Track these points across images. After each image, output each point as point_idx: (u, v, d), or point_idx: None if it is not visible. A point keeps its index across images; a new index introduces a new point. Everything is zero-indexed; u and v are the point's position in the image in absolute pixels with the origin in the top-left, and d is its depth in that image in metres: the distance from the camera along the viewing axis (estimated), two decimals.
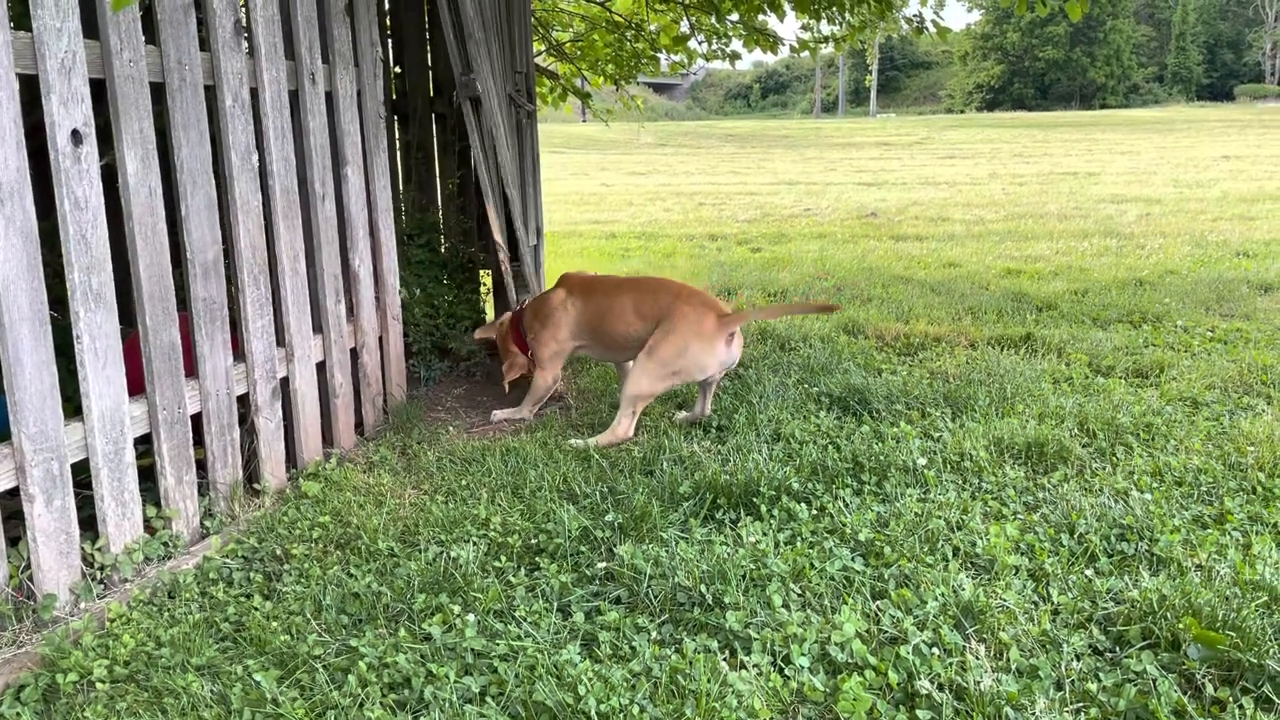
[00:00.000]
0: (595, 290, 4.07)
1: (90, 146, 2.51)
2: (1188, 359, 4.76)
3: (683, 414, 4.05)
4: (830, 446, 3.50)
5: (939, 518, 2.92)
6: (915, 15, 6.74)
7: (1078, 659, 2.21)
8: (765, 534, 2.85)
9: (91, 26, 2.56)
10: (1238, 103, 56.87)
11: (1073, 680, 2.12)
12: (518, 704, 2.06)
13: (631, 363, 4.03)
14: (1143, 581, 2.51)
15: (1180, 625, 2.26)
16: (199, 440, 3.04)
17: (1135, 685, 2.09)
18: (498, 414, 4.23)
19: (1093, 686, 2.08)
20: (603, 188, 18.66)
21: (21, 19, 2.42)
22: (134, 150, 2.67)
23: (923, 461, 3.33)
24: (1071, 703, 2.05)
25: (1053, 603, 2.45)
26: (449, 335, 4.75)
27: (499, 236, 4.40)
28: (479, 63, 4.26)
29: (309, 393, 3.54)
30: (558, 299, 4.11)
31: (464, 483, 3.33)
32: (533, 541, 2.86)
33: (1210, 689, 2.08)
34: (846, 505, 3.04)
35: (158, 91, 2.82)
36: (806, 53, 7.69)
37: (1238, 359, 4.69)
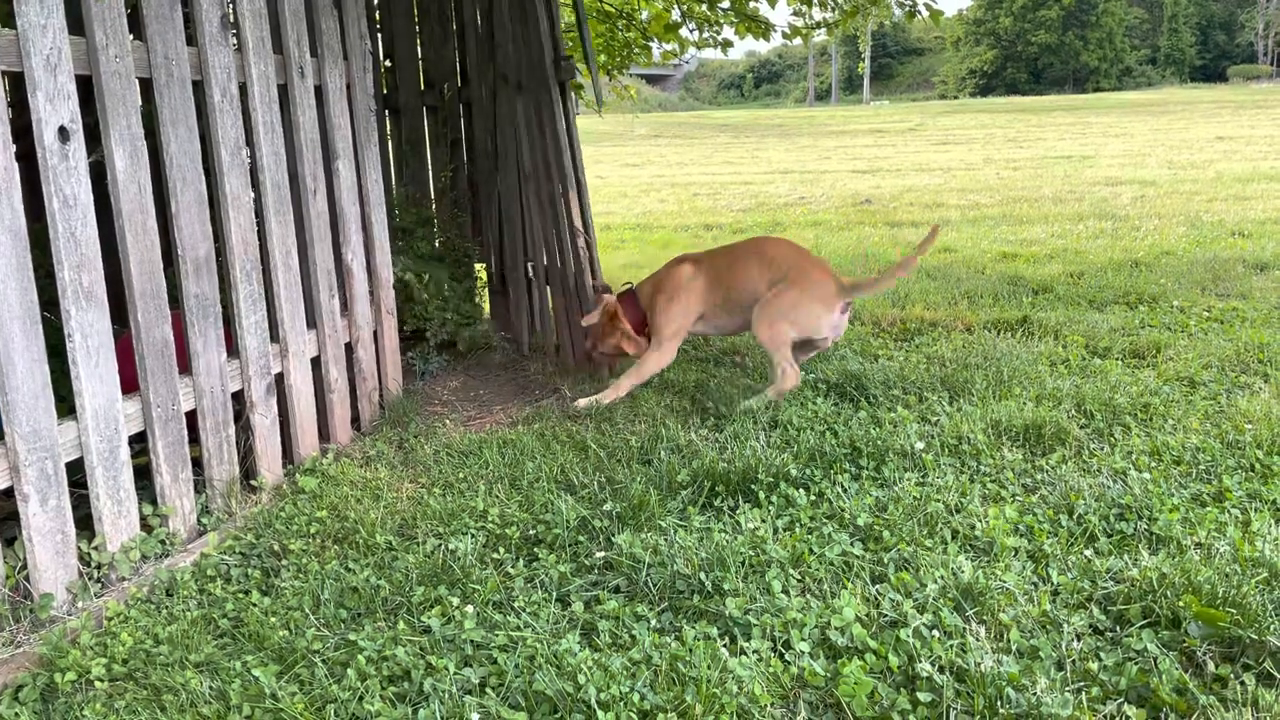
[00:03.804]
0: (716, 255, 4.27)
1: (78, 143, 2.50)
2: (1184, 339, 4.75)
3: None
4: (828, 432, 3.50)
5: (937, 501, 2.91)
6: None
7: (1078, 639, 2.21)
8: (764, 520, 2.84)
9: (77, 23, 2.54)
10: (1231, 84, 56.87)
11: (1073, 660, 2.12)
12: (518, 694, 2.06)
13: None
14: (1142, 560, 2.51)
15: (1180, 603, 2.25)
16: (194, 437, 3.03)
17: (1136, 664, 2.09)
18: (581, 402, 4.06)
19: (1094, 666, 2.08)
20: (597, 180, 18.62)
21: (6, 18, 2.40)
22: (122, 146, 2.66)
23: (920, 445, 3.33)
24: (1073, 682, 2.05)
25: (1052, 583, 2.45)
26: (460, 328, 4.73)
27: (578, 221, 4.45)
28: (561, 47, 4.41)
29: (304, 388, 3.52)
30: (685, 272, 4.19)
31: (461, 475, 3.33)
32: (531, 532, 2.85)
33: (1211, 666, 2.08)
34: (845, 490, 3.03)
35: (146, 88, 2.80)
36: (799, 39, 7.68)
37: (1234, 338, 4.68)
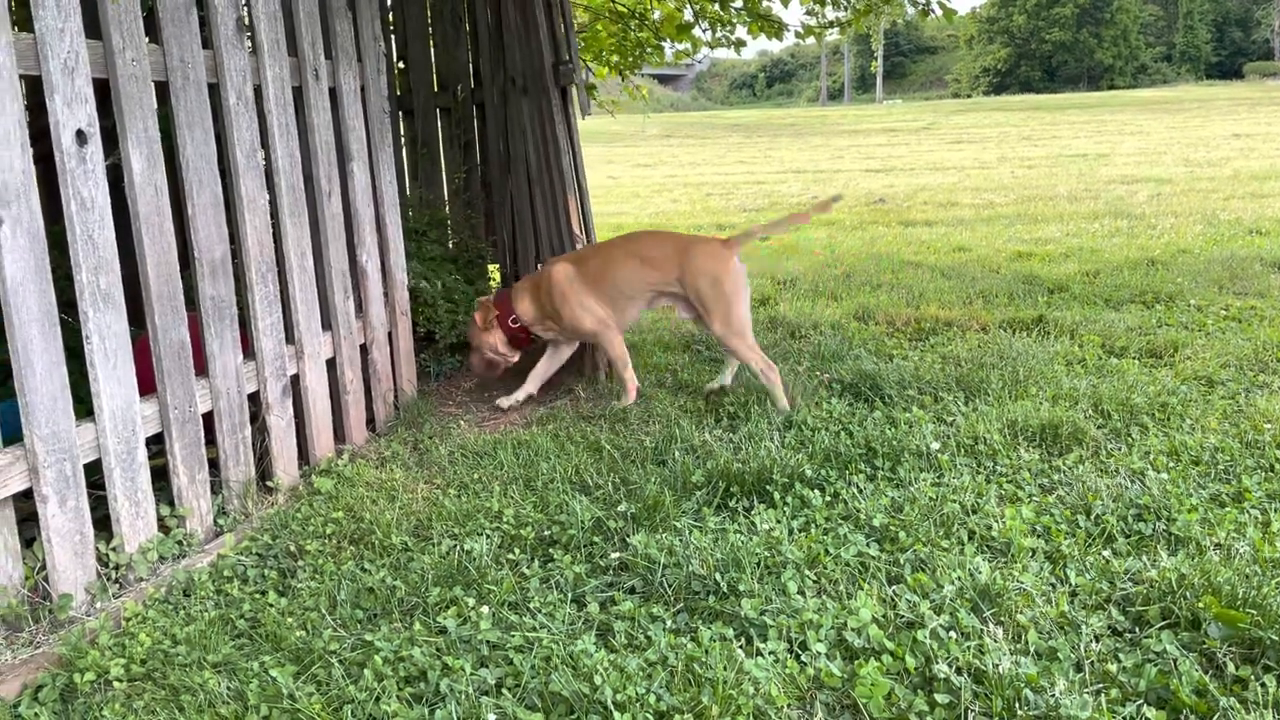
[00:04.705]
0: (589, 258, 4.20)
1: (95, 146, 2.51)
2: (1202, 338, 4.72)
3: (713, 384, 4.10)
4: (843, 433, 3.49)
5: (954, 501, 2.90)
6: None
7: (1097, 640, 2.19)
8: (779, 521, 2.84)
9: (94, 26, 2.56)
10: (1247, 81, 56.43)
11: (1092, 661, 2.11)
12: (534, 695, 2.06)
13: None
14: (1161, 561, 2.49)
15: (1200, 604, 2.24)
16: (211, 439, 3.04)
17: (1156, 665, 2.07)
18: (617, 405, 4.10)
19: (1113, 667, 2.07)
20: (609, 180, 18.64)
21: (24, 22, 2.41)
22: (139, 149, 2.67)
23: (936, 446, 3.32)
24: (1091, 684, 2.04)
25: (1070, 584, 2.43)
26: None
27: (577, 226, 4.46)
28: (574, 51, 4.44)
29: (319, 389, 3.54)
30: (560, 273, 4.13)
31: (476, 476, 3.33)
32: (546, 533, 2.85)
33: (1232, 667, 2.06)
34: (860, 491, 3.02)
35: (162, 91, 2.82)
36: (812, 39, 7.65)
37: (1252, 337, 4.65)
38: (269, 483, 3.28)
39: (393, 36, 5.07)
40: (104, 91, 2.58)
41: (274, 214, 3.30)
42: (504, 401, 4.27)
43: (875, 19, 7.71)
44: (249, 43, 3.16)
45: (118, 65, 2.59)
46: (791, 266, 7.54)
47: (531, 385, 4.34)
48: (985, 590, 2.37)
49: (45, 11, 2.36)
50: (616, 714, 1.96)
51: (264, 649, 2.32)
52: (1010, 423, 3.50)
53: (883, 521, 2.79)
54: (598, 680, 2.05)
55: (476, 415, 4.21)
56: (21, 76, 2.34)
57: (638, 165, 22.78)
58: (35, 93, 2.40)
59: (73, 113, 2.45)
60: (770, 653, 2.18)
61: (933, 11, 6.92)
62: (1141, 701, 1.98)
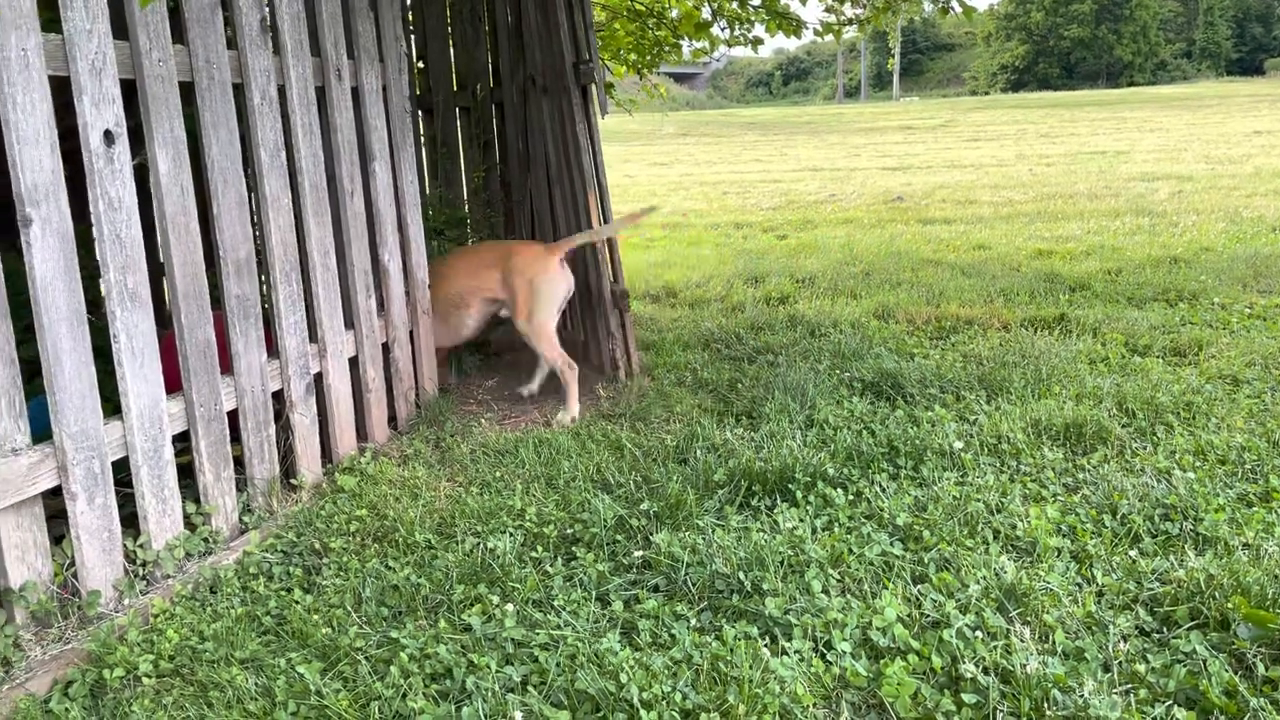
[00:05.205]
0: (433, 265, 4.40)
1: (122, 146, 2.53)
2: (1226, 336, 4.68)
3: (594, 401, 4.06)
4: (865, 431, 3.48)
5: (978, 501, 2.89)
6: None
7: (1125, 640, 2.18)
8: (802, 520, 2.83)
9: (121, 28, 2.57)
10: (1268, 77, 55.89)
11: (1120, 662, 2.09)
12: (560, 693, 2.06)
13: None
14: (1189, 561, 2.47)
15: (1229, 604, 2.22)
16: (235, 436, 3.06)
17: (1185, 666, 2.06)
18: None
19: (1141, 668, 2.05)
20: (625, 179, 18.62)
21: (50, 24, 2.43)
22: (165, 149, 2.69)
23: (959, 445, 3.30)
24: (1120, 684, 2.02)
25: (1097, 584, 2.42)
26: (491, 327, 4.77)
27: (597, 225, 4.50)
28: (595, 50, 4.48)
29: (342, 388, 3.55)
30: None
31: (498, 474, 3.34)
32: (569, 531, 2.86)
33: (1262, 668, 2.05)
34: (883, 490, 3.01)
35: (186, 91, 2.84)
36: (830, 36, 7.63)
37: (1277, 335, 4.61)
38: (293, 480, 3.30)
39: (413, 36, 5.09)
40: (130, 92, 2.60)
41: (297, 213, 3.32)
42: (525, 390, 4.48)
43: (893, 16, 7.69)
44: (273, 43, 3.17)
45: (144, 66, 2.61)
46: (810, 265, 7.53)
47: (539, 374, 4.53)
48: (1011, 590, 2.36)
49: (73, 13, 2.38)
50: (643, 712, 1.96)
51: (290, 646, 2.33)
52: (1034, 422, 3.48)
53: (906, 520, 2.78)
54: (623, 678, 2.05)
55: (497, 413, 4.22)
56: (50, 77, 2.36)
57: (654, 164, 22.75)
58: (61, 93, 2.42)
59: (100, 113, 2.47)
60: (795, 652, 2.18)
61: (951, 9, 6.89)
62: (1171, 702, 1.96)
